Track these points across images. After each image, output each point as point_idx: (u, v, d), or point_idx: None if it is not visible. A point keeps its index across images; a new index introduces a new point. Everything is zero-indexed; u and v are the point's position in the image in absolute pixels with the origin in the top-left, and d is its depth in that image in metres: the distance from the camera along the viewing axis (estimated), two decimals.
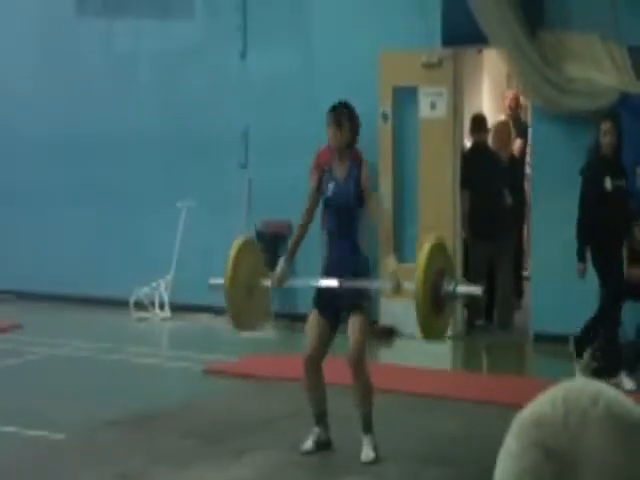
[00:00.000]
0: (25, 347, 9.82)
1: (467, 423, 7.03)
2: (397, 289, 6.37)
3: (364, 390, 6.37)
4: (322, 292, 6.57)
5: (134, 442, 6.74)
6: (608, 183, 8.00)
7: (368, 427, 6.35)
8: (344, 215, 6.52)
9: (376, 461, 6.24)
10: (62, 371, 9.09)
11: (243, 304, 6.84)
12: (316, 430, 6.52)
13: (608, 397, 1.10)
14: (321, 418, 6.54)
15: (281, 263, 6.76)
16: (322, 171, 6.75)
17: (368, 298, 6.62)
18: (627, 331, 8.59)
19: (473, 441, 6.42)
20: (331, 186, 6.56)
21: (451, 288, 6.32)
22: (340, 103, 6.84)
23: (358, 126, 6.76)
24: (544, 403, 1.10)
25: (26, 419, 7.25)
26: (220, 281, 6.84)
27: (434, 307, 6.28)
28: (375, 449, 6.30)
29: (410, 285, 6.26)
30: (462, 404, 7.54)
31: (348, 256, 6.48)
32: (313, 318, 6.57)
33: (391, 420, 6.63)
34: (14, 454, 6.56)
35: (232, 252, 6.83)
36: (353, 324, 6.39)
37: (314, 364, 6.49)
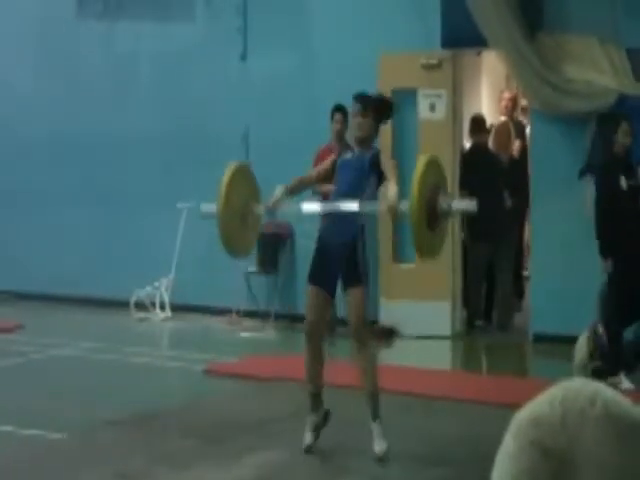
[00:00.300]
0: (25, 347, 9.82)
1: (467, 423, 7.02)
2: (392, 209, 6.27)
3: (370, 364, 6.40)
4: (318, 264, 6.53)
5: (134, 442, 6.73)
6: (623, 182, 8.01)
7: (375, 413, 6.34)
8: (356, 179, 6.46)
9: (387, 452, 6.22)
10: (62, 371, 9.08)
11: (236, 230, 6.75)
12: (312, 418, 6.49)
13: (605, 397, 1.10)
14: (316, 400, 6.52)
15: (278, 189, 6.62)
16: (335, 159, 6.69)
17: (366, 269, 6.53)
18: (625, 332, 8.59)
19: (473, 441, 6.41)
20: (349, 154, 6.57)
21: (446, 204, 6.30)
22: (364, 94, 6.77)
23: (383, 118, 6.68)
24: (542, 403, 1.10)
25: (26, 419, 7.24)
26: (212, 209, 6.70)
27: (429, 223, 6.26)
28: (384, 437, 6.29)
29: (405, 205, 6.22)
30: (462, 404, 7.54)
31: (350, 217, 6.42)
32: (310, 295, 6.57)
33: (391, 420, 6.61)
34: (13, 453, 6.55)
35: (225, 178, 6.69)
36: (353, 297, 6.40)
37: (315, 336, 6.50)
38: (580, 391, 1.11)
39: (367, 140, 6.57)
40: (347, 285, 6.43)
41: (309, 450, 6.43)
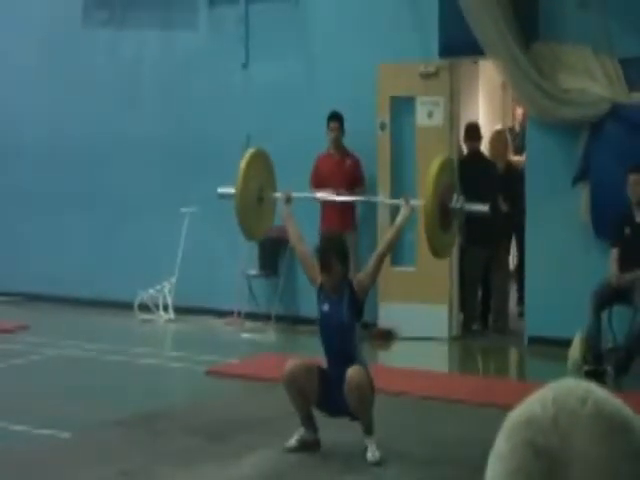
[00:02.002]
0: (32, 347, 9.83)
1: (464, 424, 7.02)
2: (406, 205, 6.38)
3: (366, 406, 6.19)
4: (327, 376, 6.29)
5: (137, 440, 6.73)
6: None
7: (369, 430, 6.25)
8: (338, 335, 6.27)
9: (382, 461, 6.15)
10: (67, 371, 9.08)
11: (252, 212, 6.84)
12: (301, 430, 6.43)
13: (597, 397, 1.10)
14: (306, 420, 6.42)
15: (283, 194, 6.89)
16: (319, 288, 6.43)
17: (364, 359, 6.37)
18: (617, 335, 8.61)
19: (470, 441, 6.40)
20: (325, 306, 6.33)
21: (459, 204, 6.28)
22: (330, 243, 6.50)
23: (348, 266, 6.38)
24: (534, 403, 1.10)
25: (32, 418, 7.25)
26: (229, 190, 6.84)
27: (442, 222, 6.24)
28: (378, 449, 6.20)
29: (417, 202, 6.27)
30: (458, 405, 7.53)
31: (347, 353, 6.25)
32: (307, 363, 6.37)
33: (389, 421, 6.61)
34: (20, 452, 6.55)
35: (242, 163, 6.81)
36: (355, 373, 6.08)
37: (293, 386, 6.31)
38: (571, 391, 1.11)
39: (338, 285, 6.28)
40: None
41: (289, 451, 6.34)
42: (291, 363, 6.39)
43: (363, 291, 6.29)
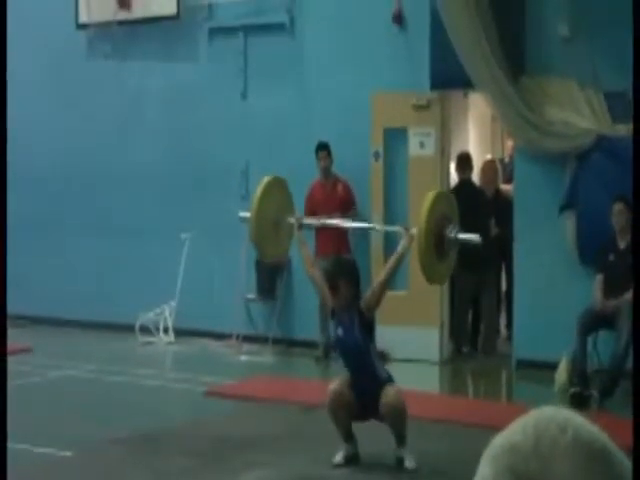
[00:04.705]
0: (35, 369, 9.81)
1: (453, 443, 7.01)
2: (406, 234, 6.51)
3: (402, 421, 6.40)
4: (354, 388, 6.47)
5: (138, 459, 6.72)
6: None
7: (403, 441, 6.44)
8: (356, 356, 6.46)
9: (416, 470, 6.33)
10: (70, 391, 9.06)
11: (268, 236, 6.98)
12: (344, 446, 6.54)
13: (576, 425, 1.12)
14: (348, 436, 6.56)
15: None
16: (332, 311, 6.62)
17: (387, 373, 6.56)
18: (602, 358, 8.61)
19: (459, 460, 6.39)
20: (340, 330, 6.49)
21: (453, 234, 6.40)
22: (337, 265, 6.68)
23: (358, 288, 6.51)
24: (516, 431, 1.12)
25: (34, 437, 7.23)
26: (248, 214, 7.05)
27: (436, 251, 6.33)
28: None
29: (415, 231, 6.39)
30: (449, 426, 7.53)
31: (375, 390, 6.39)
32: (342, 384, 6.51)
33: (382, 441, 6.60)
34: (21, 470, 6.52)
35: (259, 189, 7.00)
36: (387, 391, 6.32)
37: (336, 403, 6.42)
38: (552, 419, 1.13)
39: (347, 307, 6.42)
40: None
41: (336, 467, 6.45)
42: (335, 383, 6.52)
43: (370, 310, 6.46)
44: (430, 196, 6.62)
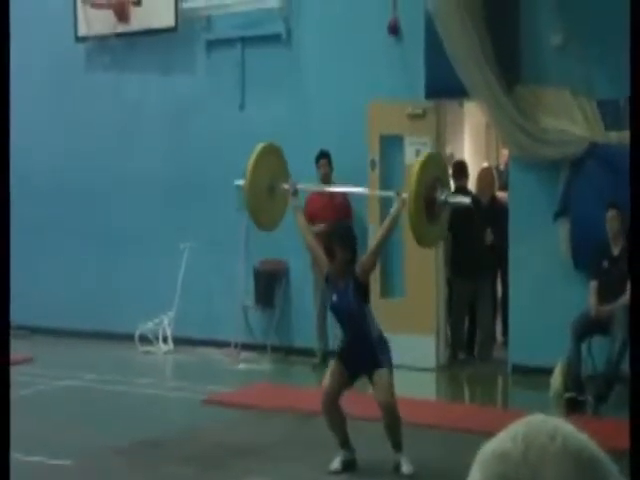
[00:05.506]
0: (36, 379, 9.79)
1: (450, 449, 7.00)
2: (398, 198, 6.50)
3: (396, 427, 6.42)
4: (346, 349, 6.57)
5: (137, 468, 6.71)
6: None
7: (399, 446, 6.45)
8: (350, 321, 6.51)
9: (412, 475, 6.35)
10: (70, 401, 9.05)
11: (263, 204, 6.92)
12: (342, 452, 6.55)
13: (565, 433, 1.12)
14: (345, 442, 6.57)
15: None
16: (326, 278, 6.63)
17: (388, 352, 6.57)
18: (597, 363, 8.61)
19: (456, 466, 6.38)
20: (334, 296, 6.51)
21: (443, 197, 6.39)
22: (334, 230, 6.77)
23: (354, 253, 6.52)
24: (506, 438, 1.12)
25: (33, 445, 7.21)
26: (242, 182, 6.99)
27: (427, 213, 6.33)
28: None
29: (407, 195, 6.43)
30: (445, 432, 7.52)
31: (367, 351, 6.45)
32: (334, 366, 6.61)
33: (376, 448, 6.60)
34: (24, 479, 6.51)
35: (252, 156, 6.94)
36: (380, 378, 6.38)
37: (329, 403, 6.48)
38: (541, 427, 1.13)
39: (343, 271, 6.45)
40: (372, 368, 6.40)
41: (333, 473, 6.47)
42: (327, 380, 6.57)
43: (365, 274, 6.49)
44: (420, 160, 6.63)
